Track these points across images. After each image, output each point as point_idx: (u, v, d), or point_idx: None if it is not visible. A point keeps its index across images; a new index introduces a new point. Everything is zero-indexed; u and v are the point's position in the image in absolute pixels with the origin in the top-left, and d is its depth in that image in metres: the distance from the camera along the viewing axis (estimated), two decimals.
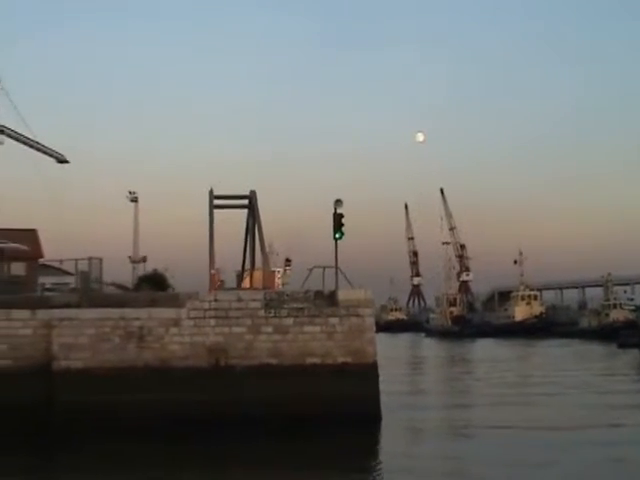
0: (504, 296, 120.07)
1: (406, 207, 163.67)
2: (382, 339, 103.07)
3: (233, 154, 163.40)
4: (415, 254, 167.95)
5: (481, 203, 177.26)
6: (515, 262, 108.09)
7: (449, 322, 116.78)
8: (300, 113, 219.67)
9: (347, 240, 28.39)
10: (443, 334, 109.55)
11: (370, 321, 26.49)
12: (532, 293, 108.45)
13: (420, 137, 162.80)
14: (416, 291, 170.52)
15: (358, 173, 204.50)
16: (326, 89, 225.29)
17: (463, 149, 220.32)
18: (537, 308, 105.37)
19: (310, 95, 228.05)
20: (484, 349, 76.52)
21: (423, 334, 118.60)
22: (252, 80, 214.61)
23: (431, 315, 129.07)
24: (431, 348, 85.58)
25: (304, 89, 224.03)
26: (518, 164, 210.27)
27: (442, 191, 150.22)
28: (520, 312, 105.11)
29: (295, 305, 26.12)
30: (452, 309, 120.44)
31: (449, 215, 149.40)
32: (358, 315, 26.25)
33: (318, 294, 26.72)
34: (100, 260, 32.18)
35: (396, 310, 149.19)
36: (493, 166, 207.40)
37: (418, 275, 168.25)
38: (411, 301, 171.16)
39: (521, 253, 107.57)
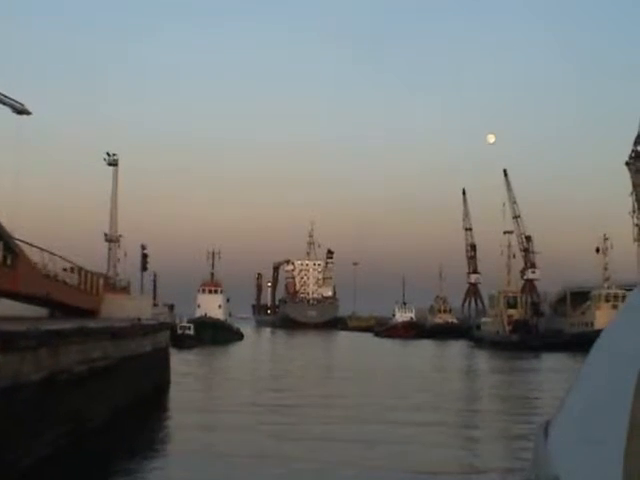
0: (579, 297, 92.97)
1: (464, 193, 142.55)
2: (410, 349, 74.68)
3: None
4: (473, 247, 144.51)
5: (551, 197, 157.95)
6: (597, 250, 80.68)
7: (506, 329, 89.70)
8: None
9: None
10: (497, 345, 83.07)
11: None
12: (620, 292, 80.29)
13: (491, 139, 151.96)
14: (473, 290, 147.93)
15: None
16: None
17: (531, 137, 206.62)
18: None
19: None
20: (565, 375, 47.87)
21: (472, 343, 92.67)
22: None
23: (483, 319, 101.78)
24: (475, 374, 58.51)
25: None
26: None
27: (505, 173, 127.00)
28: (603, 317, 76.83)
29: None
30: (511, 311, 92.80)
31: (513, 201, 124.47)
32: None
33: None
34: None
35: (445, 312, 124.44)
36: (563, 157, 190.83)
37: (476, 272, 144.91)
38: (467, 302, 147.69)
39: (606, 238, 79.95)
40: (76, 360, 18.28)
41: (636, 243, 71.97)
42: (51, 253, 29.10)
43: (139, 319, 30.66)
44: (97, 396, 20.21)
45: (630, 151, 68.77)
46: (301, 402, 31.52)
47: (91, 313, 32.78)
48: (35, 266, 26.46)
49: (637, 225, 71.01)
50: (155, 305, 42.74)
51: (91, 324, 21.23)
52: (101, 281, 37.05)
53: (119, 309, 34.03)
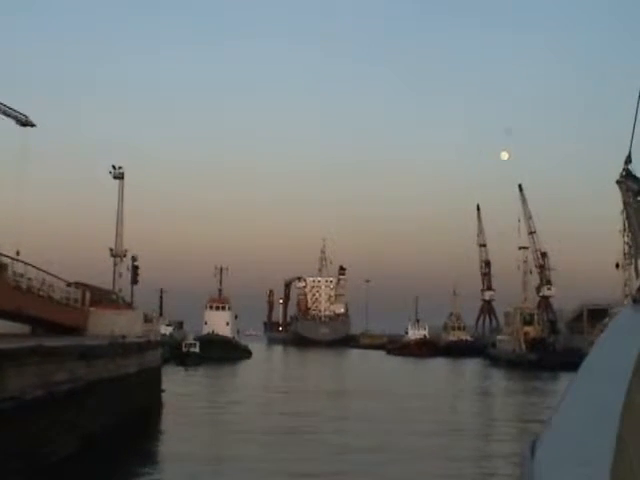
0: (597, 314, 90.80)
1: (478, 209, 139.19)
2: (424, 369, 71.39)
3: None
4: (487, 264, 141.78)
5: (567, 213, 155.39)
6: (617, 266, 77.39)
7: (523, 347, 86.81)
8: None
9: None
10: (514, 363, 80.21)
11: None
12: None
13: (505, 156, 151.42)
14: (487, 308, 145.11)
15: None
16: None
17: (546, 152, 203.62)
18: None
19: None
20: None
21: (487, 361, 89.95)
22: None
23: (498, 337, 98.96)
24: (492, 398, 55.57)
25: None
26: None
27: (520, 187, 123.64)
28: None
29: None
30: (527, 329, 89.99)
31: (528, 217, 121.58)
32: None
33: None
34: None
35: (459, 329, 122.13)
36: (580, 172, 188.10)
37: (490, 289, 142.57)
38: (481, 320, 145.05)
39: (625, 253, 76.78)
40: (31, 384, 15.83)
41: (626, 262, 69.98)
42: (25, 263, 26.66)
43: (123, 336, 28.13)
44: (61, 425, 17.70)
45: (621, 169, 66.47)
46: (306, 440, 28.60)
47: (75, 329, 30.35)
48: (5, 279, 24.06)
49: (627, 243, 68.61)
50: (147, 321, 40.04)
51: (53, 343, 18.78)
52: (87, 295, 34.29)
53: (107, 325, 31.53)
